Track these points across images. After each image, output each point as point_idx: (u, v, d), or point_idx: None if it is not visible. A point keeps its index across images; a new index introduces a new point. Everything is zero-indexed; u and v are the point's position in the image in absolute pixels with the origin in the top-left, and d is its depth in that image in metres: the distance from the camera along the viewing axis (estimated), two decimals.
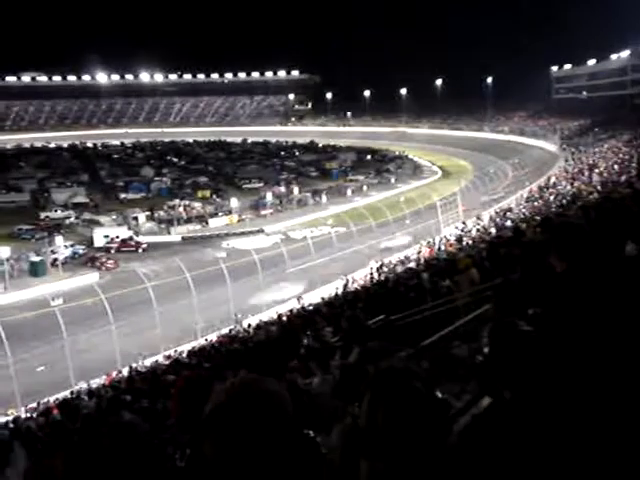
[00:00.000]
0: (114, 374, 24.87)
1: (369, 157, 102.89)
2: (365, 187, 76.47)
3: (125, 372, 24.60)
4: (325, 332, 11.35)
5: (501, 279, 5.34)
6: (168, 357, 25.86)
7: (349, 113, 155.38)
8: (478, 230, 37.61)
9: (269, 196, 65.04)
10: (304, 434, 1.99)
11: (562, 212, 21.38)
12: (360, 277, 35.17)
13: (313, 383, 4.87)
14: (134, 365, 25.18)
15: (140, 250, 49.36)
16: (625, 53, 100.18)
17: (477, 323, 8.29)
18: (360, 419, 1.94)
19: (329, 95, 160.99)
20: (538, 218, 23.48)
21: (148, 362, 25.91)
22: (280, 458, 1.55)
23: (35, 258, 43.74)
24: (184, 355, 24.84)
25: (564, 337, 2.40)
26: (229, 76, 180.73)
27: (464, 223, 44.22)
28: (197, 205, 64.44)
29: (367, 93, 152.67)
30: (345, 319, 5.18)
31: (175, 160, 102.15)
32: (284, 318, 26.08)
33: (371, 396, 1.90)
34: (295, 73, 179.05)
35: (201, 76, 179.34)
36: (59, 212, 61.74)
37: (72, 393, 21.91)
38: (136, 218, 57.69)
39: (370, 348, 4.78)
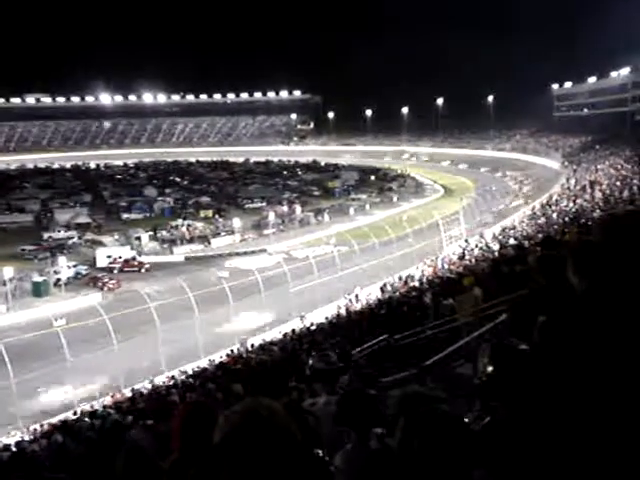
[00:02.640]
0: (117, 395, 24.79)
1: (373, 177, 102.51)
2: (367, 206, 76.57)
3: (128, 393, 24.51)
4: (330, 353, 11.31)
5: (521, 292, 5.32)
6: (171, 377, 25.75)
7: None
8: (481, 248, 37.59)
9: (271, 216, 65.08)
10: (314, 454, 1.99)
11: (564, 230, 21.38)
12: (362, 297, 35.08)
13: (318, 404, 4.85)
14: (137, 387, 25.10)
15: (143, 270, 49.33)
16: (625, 70, 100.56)
17: (479, 342, 8.28)
18: (393, 443, 1.97)
19: (331, 115, 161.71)
20: (540, 236, 23.51)
21: (150, 383, 25.83)
22: (294, 478, 1.56)
23: (38, 278, 43.78)
24: (186, 376, 24.73)
25: (571, 351, 2.40)
26: (231, 96, 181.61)
27: (467, 241, 44.21)
28: (200, 225, 64.56)
29: (369, 112, 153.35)
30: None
31: (178, 180, 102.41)
32: (287, 338, 26.02)
33: (406, 422, 1.94)
34: (297, 93, 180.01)
35: (203, 97, 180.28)
36: (62, 232, 61.78)
37: (75, 414, 21.83)
38: (139, 238, 57.73)
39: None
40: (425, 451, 1.86)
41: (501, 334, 4.03)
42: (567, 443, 2.09)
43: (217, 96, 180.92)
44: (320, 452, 2.91)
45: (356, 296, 34.74)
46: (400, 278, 37.13)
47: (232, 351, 28.10)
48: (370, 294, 34.88)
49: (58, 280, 44.48)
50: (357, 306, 31.86)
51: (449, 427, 1.90)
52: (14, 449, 13.99)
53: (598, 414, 2.12)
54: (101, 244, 56.45)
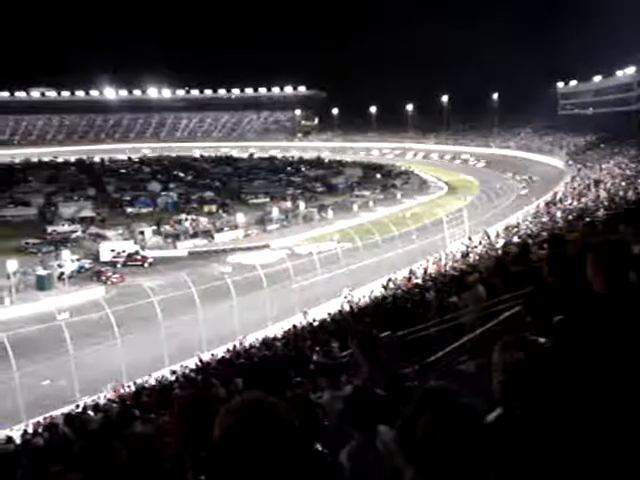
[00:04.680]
0: (120, 388, 24.83)
1: (379, 176, 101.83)
2: (371, 202, 76.51)
3: (131, 386, 24.56)
4: (333, 348, 11.34)
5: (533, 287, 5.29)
6: (173, 372, 25.78)
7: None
8: (485, 246, 37.56)
9: (275, 211, 65.16)
10: (314, 449, 1.99)
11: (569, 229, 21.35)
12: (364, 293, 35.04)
13: (322, 399, 4.87)
14: (139, 381, 25.14)
15: (146, 265, 49.42)
16: (630, 69, 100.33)
17: (483, 339, 8.28)
18: (417, 434, 1.98)
19: (335, 111, 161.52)
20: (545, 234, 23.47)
21: (154, 377, 25.88)
22: (293, 473, 1.55)
23: (42, 272, 43.88)
24: (189, 370, 24.74)
25: (586, 351, 2.39)
26: (236, 92, 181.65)
27: (470, 239, 44.14)
28: (203, 220, 64.61)
29: (373, 109, 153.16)
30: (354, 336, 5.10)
31: (182, 175, 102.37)
32: (289, 334, 26.01)
33: (433, 414, 1.96)
34: (302, 89, 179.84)
35: (208, 92, 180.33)
36: (66, 226, 61.89)
37: (77, 407, 21.87)
38: (142, 232, 57.82)
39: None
40: (449, 444, 1.88)
41: (515, 329, 4.02)
42: (587, 443, 2.09)
43: (222, 91, 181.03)
44: (320, 447, 2.90)
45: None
46: (407, 274, 37.12)
47: (235, 346, 28.14)
48: (373, 291, 34.87)
49: (62, 274, 44.58)
50: (360, 303, 31.81)
51: (475, 420, 1.93)
52: (18, 441, 14.04)
53: (618, 415, 2.12)
54: (105, 238, 56.54)
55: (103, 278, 44.86)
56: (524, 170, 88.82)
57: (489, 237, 41.72)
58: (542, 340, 2.63)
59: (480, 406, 2.07)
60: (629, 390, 2.20)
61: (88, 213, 68.79)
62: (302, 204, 71.70)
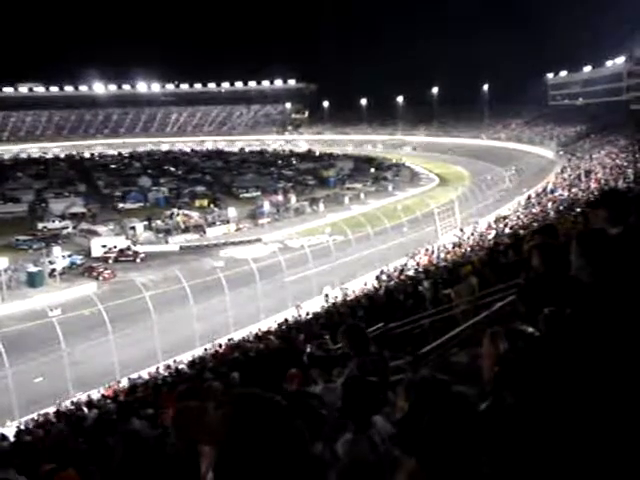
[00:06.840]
0: (114, 385, 24.81)
1: (373, 170, 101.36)
2: (362, 195, 76.38)
3: (124, 382, 24.55)
4: (326, 340, 11.37)
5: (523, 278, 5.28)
6: (167, 367, 25.77)
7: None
8: (479, 236, 37.68)
9: (267, 205, 64.98)
10: (309, 452, 1.98)
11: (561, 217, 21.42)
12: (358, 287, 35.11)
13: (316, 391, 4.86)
14: (133, 376, 25.13)
15: (138, 260, 49.20)
16: (620, 59, 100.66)
17: (475, 330, 8.30)
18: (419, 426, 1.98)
19: (326, 103, 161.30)
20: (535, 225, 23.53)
21: (146, 372, 25.87)
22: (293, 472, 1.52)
23: (33, 268, 43.63)
24: (182, 365, 24.73)
25: (576, 342, 2.39)
26: (226, 85, 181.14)
27: (462, 230, 44.26)
28: (195, 214, 64.37)
29: (364, 101, 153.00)
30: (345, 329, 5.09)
31: (172, 170, 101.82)
32: (283, 327, 26.04)
33: (432, 405, 1.95)
34: (292, 82, 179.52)
35: (198, 86, 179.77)
36: (57, 222, 61.53)
37: (72, 404, 21.85)
38: (134, 228, 57.53)
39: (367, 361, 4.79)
40: (444, 432, 1.89)
41: (506, 320, 4.03)
42: (575, 435, 2.09)
43: (211, 85, 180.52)
44: (319, 445, 2.88)
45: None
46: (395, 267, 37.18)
47: (228, 340, 28.13)
48: (366, 283, 34.94)
49: (53, 270, 44.36)
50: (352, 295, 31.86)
51: (467, 408, 1.94)
52: (13, 439, 13.99)
53: (608, 407, 2.12)
54: (96, 234, 56.25)
55: (95, 274, 44.65)
56: (514, 161, 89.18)
57: (480, 228, 41.87)
58: (530, 330, 2.64)
59: (472, 395, 2.07)
60: (620, 379, 2.20)
61: (79, 209, 68.36)
62: (293, 197, 71.55)
